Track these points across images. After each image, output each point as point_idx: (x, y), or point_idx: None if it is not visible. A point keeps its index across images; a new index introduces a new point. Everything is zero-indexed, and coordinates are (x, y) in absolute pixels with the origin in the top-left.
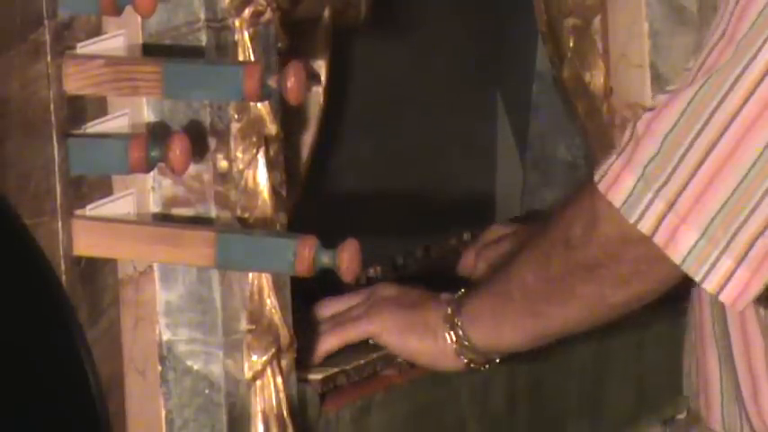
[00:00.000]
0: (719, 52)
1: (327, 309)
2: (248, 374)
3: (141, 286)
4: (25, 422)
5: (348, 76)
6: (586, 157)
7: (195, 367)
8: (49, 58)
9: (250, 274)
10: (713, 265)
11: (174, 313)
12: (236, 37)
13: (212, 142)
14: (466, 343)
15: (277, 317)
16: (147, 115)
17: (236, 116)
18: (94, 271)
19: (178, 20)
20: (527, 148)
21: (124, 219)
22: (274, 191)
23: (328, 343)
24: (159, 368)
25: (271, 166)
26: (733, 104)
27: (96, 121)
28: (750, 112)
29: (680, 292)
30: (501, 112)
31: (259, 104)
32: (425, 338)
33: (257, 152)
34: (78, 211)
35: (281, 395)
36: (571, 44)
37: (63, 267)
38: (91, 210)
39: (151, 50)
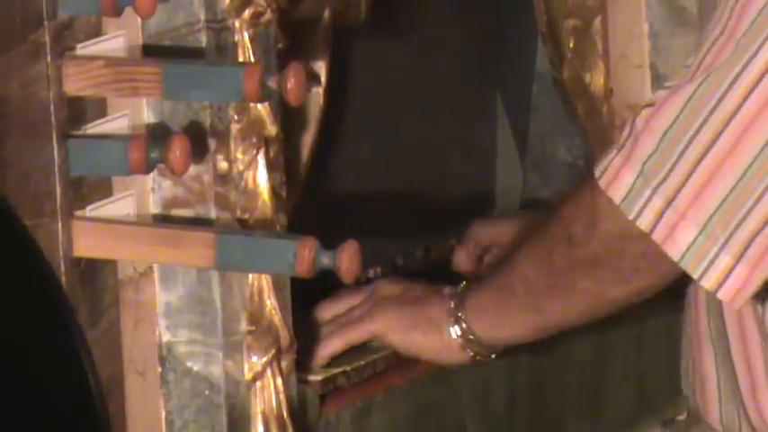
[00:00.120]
0: (719, 50)
1: (328, 311)
2: (248, 375)
3: (141, 287)
4: (25, 423)
5: (348, 76)
6: (586, 158)
7: (195, 368)
8: (48, 59)
9: (250, 276)
10: (712, 262)
11: (174, 314)
12: (236, 38)
13: (212, 143)
14: (471, 336)
15: (277, 318)
16: (147, 116)
17: (236, 117)
18: (94, 272)
19: (178, 21)
20: (527, 148)
21: (124, 220)
22: (274, 192)
23: (332, 346)
24: (159, 369)
25: (271, 167)
26: (732, 102)
27: (96, 122)
28: (750, 110)
29: (681, 289)
30: (501, 112)
31: (259, 105)
32: (430, 334)
33: (257, 153)
34: (78, 213)
35: (281, 396)
36: (571, 45)
37: (63, 268)
38: (91, 211)
39: (151, 51)
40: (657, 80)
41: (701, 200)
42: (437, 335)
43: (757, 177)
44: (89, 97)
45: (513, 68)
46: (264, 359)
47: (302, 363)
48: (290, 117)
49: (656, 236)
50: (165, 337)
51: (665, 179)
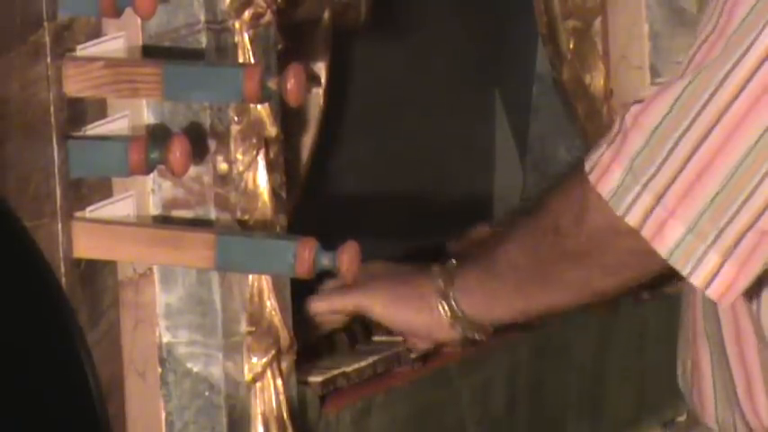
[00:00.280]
0: (710, 47)
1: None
2: (248, 376)
3: (141, 288)
4: (25, 424)
5: (348, 77)
6: None
7: (195, 369)
8: (48, 60)
9: (250, 276)
10: (700, 260)
11: (174, 315)
12: (236, 39)
13: (212, 144)
14: (459, 314)
15: (277, 319)
16: (147, 117)
17: (236, 118)
18: (94, 273)
19: (178, 22)
20: (527, 149)
21: (124, 221)
22: (274, 193)
23: (316, 306)
24: (159, 370)
25: (271, 167)
26: (723, 99)
27: (96, 123)
28: (740, 108)
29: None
30: (501, 113)
31: (259, 106)
32: (420, 311)
33: (257, 154)
34: (78, 214)
35: (281, 397)
36: (571, 46)
37: (63, 269)
38: (91, 212)
39: (151, 52)
40: (657, 81)
41: (691, 197)
42: (426, 312)
43: (747, 175)
44: (89, 98)
45: (512, 69)
46: (264, 360)
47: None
48: (290, 118)
49: (645, 232)
50: (165, 338)
51: (654, 176)
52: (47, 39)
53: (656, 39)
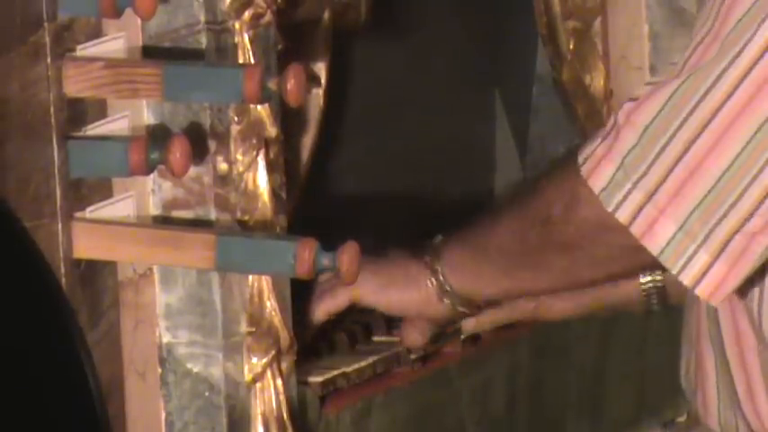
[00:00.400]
0: (704, 49)
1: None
2: (248, 377)
3: (141, 289)
4: (26, 424)
5: (348, 78)
6: None
7: (195, 370)
8: (48, 61)
9: (250, 277)
10: (690, 259)
11: (174, 316)
12: (236, 39)
13: (212, 144)
14: (447, 288)
15: (277, 319)
16: (147, 117)
17: (236, 118)
18: (94, 273)
19: (178, 22)
20: (527, 149)
21: (124, 221)
22: (274, 193)
23: (316, 317)
24: (159, 371)
25: (271, 168)
26: (715, 100)
27: (96, 124)
28: (732, 109)
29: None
30: (501, 113)
31: (259, 107)
32: (408, 289)
33: (257, 154)
34: (78, 214)
35: (281, 397)
36: (571, 46)
37: (63, 270)
38: (91, 212)
39: (151, 53)
40: (652, 80)
41: (682, 196)
42: (414, 289)
43: (737, 177)
44: (89, 99)
45: (512, 69)
46: (264, 360)
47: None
48: (289, 118)
49: (635, 229)
50: (165, 339)
51: (645, 174)
52: (47, 39)
53: (655, 39)
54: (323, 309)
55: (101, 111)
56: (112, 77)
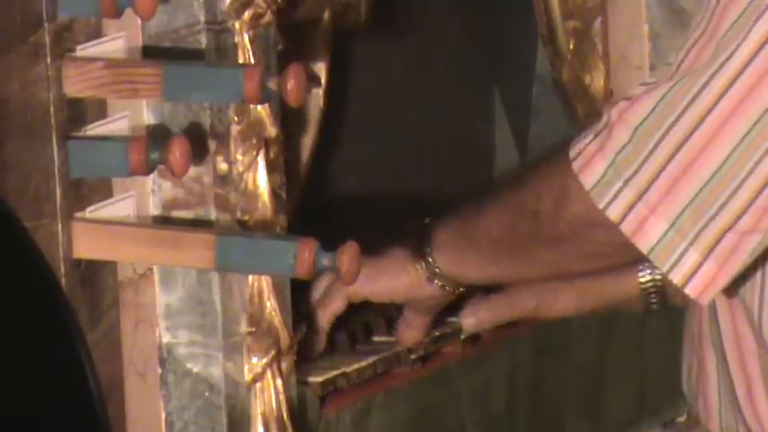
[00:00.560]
0: (699, 51)
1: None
2: (248, 377)
3: (141, 289)
4: (26, 424)
5: (348, 78)
6: None
7: (195, 370)
8: (48, 61)
9: (250, 277)
10: (680, 257)
11: (174, 316)
12: (236, 39)
13: (212, 144)
14: (436, 270)
15: (277, 319)
16: (147, 118)
17: (235, 118)
18: (94, 273)
19: (178, 22)
20: (527, 149)
21: (124, 221)
22: (274, 193)
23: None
24: (159, 371)
25: (271, 168)
26: (708, 100)
27: (96, 124)
28: (724, 110)
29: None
30: (501, 113)
31: (259, 107)
32: (397, 275)
33: (257, 154)
34: (78, 214)
35: (281, 397)
36: (571, 46)
37: (63, 270)
38: (91, 212)
39: (151, 53)
40: (647, 81)
41: (673, 195)
42: (404, 273)
43: (730, 175)
44: (89, 99)
45: (512, 69)
46: (264, 360)
47: (302, 363)
48: (290, 118)
49: (625, 227)
50: (165, 339)
51: (636, 172)
52: (47, 39)
53: (655, 39)
54: (324, 316)
55: (101, 111)
56: (112, 77)
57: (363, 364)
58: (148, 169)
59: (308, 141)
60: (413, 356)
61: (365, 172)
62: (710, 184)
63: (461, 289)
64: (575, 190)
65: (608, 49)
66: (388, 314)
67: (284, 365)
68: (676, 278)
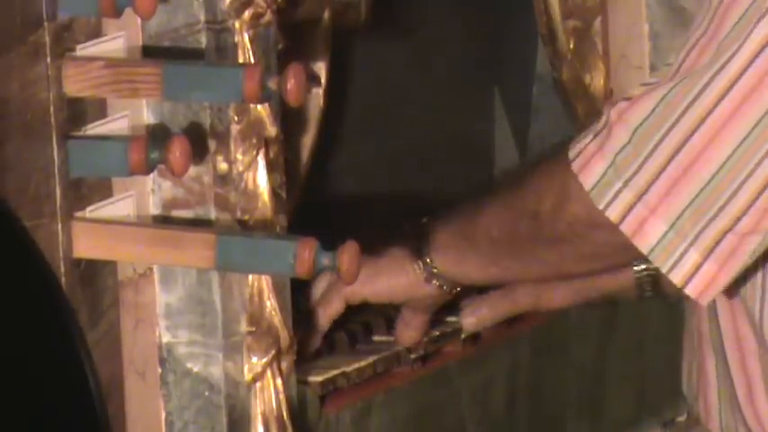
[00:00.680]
0: (699, 52)
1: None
2: (248, 376)
3: (141, 288)
4: (26, 424)
5: (348, 77)
6: None
7: (195, 369)
8: (48, 60)
9: (250, 277)
10: (680, 258)
11: (174, 315)
12: (236, 39)
13: (212, 144)
14: (434, 270)
15: (277, 319)
16: (147, 117)
17: (235, 118)
18: (94, 273)
19: (178, 22)
20: (527, 149)
21: (124, 221)
22: (274, 193)
23: (321, 326)
24: (159, 370)
25: (271, 167)
26: (708, 102)
27: (96, 123)
28: (724, 111)
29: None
30: (501, 113)
31: (259, 106)
32: (395, 275)
33: (257, 154)
34: (78, 213)
35: (281, 397)
36: (571, 46)
37: (63, 269)
38: (91, 212)
39: (151, 52)
40: (647, 81)
41: (673, 195)
42: (402, 273)
43: (729, 176)
44: (89, 98)
45: (512, 69)
46: (264, 360)
47: (302, 363)
48: (290, 118)
49: (625, 228)
50: (165, 339)
51: (636, 173)
52: (47, 39)
53: (656, 38)
54: (323, 317)
55: (101, 110)
56: (112, 77)
57: (363, 363)
58: (148, 169)
59: (308, 141)
60: (413, 356)
61: (365, 172)
62: (710, 186)
63: (458, 289)
64: (574, 190)
65: (608, 49)
66: (388, 314)
67: (284, 365)
68: (676, 279)
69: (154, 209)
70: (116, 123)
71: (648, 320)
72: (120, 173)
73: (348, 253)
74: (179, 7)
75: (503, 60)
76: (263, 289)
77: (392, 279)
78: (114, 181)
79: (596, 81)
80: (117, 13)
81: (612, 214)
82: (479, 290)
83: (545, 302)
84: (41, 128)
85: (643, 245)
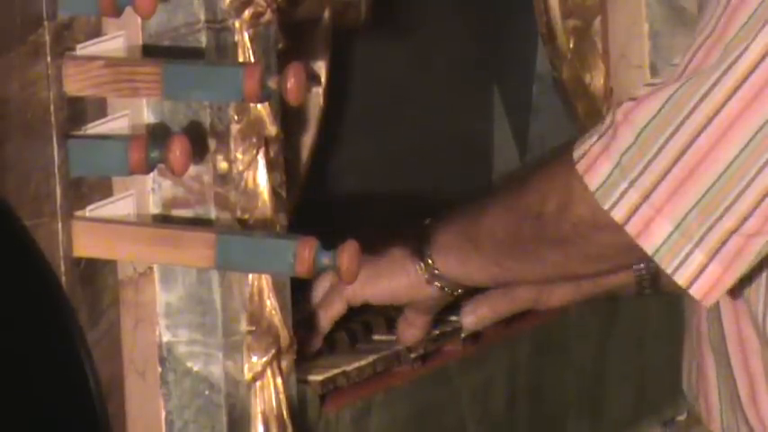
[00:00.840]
0: (706, 52)
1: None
2: (248, 376)
3: (141, 287)
4: (25, 424)
5: (348, 76)
6: None
7: (195, 368)
8: (48, 60)
9: (250, 276)
10: (685, 259)
11: (174, 315)
12: (236, 38)
13: (212, 143)
14: (436, 271)
15: (277, 318)
16: (147, 116)
17: (235, 117)
18: (94, 272)
19: (178, 21)
20: (527, 148)
21: (124, 220)
22: (274, 192)
23: (322, 328)
24: (159, 369)
25: (271, 167)
26: (714, 102)
27: (96, 123)
28: (732, 111)
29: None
30: (500, 112)
31: (259, 105)
32: (396, 276)
33: (257, 153)
34: (78, 213)
35: (281, 396)
36: (571, 45)
37: (63, 269)
38: (91, 211)
39: (151, 51)
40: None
41: (679, 196)
42: (403, 275)
43: (736, 177)
44: (89, 97)
45: (512, 68)
46: (264, 359)
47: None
48: (290, 117)
49: (630, 228)
50: (165, 338)
51: (641, 173)
52: (47, 38)
53: (655, 38)
54: (324, 319)
55: (101, 109)
56: (112, 76)
57: (363, 362)
58: (148, 168)
59: (308, 140)
60: (413, 355)
61: (365, 171)
62: (716, 186)
63: (460, 291)
64: (579, 191)
65: (608, 48)
66: (388, 313)
67: (284, 364)
68: (681, 279)
69: (154, 208)
70: (116, 122)
71: (648, 319)
72: (121, 172)
73: (348, 252)
74: (179, 6)
75: (503, 60)
76: (263, 288)
77: (393, 281)
78: (114, 180)
79: (596, 80)
80: (117, 12)
81: (618, 215)
82: (479, 289)
83: (545, 300)
84: (41, 127)
85: (648, 245)
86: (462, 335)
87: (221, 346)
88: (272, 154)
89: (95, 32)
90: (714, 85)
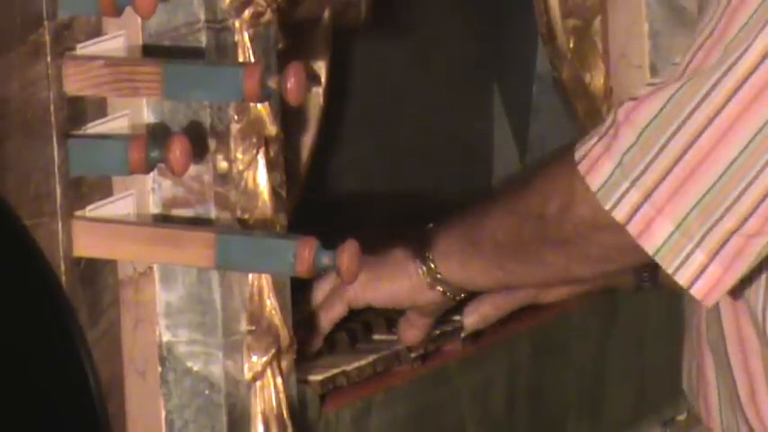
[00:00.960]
0: (706, 53)
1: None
2: (248, 375)
3: (141, 287)
4: (25, 424)
5: (348, 76)
6: None
7: (195, 368)
8: (48, 59)
9: (250, 275)
10: (686, 259)
11: (174, 314)
12: (236, 38)
13: (212, 143)
14: (438, 276)
15: (277, 318)
16: (147, 116)
17: (235, 117)
18: (94, 272)
19: (178, 21)
20: (527, 148)
21: (124, 220)
22: (274, 192)
23: (323, 329)
24: (159, 369)
25: (271, 166)
26: (716, 102)
27: (96, 122)
28: (732, 111)
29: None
30: (500, 112)
31: (259, 105)
32: (398, 279)
33: (257, 153)
34: (78, 212)
35: (281, 396)
36: (571, 45)
37: (63, 268)
38: (91, 211)
39: (151, 51)
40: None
41: (680, 196)
42: (405, 278)
43: (736, 177)
44: (89, 97)
45: (512, 68)
46: (264, 359)
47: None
48: (289, 117)
49: (632, 228)
50: (165, 337)
51: (643, 173)
52: (47, 38)
53: (655, 37)
54: (325, 321)
55: (101, 109)
56: (112, 76)
57: (363, 362)
58: (148, 168)
59: (308, 140)
60: (413, 355)
61: (365, 170)
62: (717, 186)
63: (463, 295)
64: (581, 192)
65: (608, 48)
66: (389, 313)
67: (284, 364)
68: (682, 279)
69: (154, 208)
70: (116, 122)
71: (648, 319)
72: (121, 172)
73: (348, 252)
74: (179, 6)
75: (503, 60)
76: (263, 288)
77: (395, 284)
78: (114, 180)
79: (596, 80)
80: (117, 12)
81: (619, 215)
82: (480, 294)
83: (544, 295)
84: (41, 127)
85: (649, 245)
86: (463, 334)
87: (221, 345)
88: (272, 154)
89: (95, 32)
90: (715, 85)
